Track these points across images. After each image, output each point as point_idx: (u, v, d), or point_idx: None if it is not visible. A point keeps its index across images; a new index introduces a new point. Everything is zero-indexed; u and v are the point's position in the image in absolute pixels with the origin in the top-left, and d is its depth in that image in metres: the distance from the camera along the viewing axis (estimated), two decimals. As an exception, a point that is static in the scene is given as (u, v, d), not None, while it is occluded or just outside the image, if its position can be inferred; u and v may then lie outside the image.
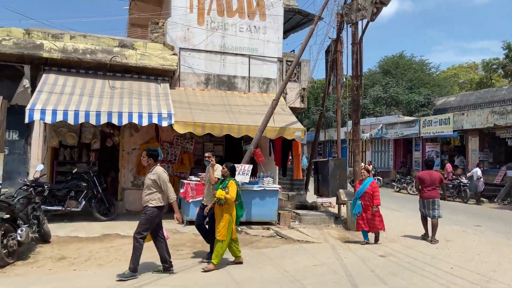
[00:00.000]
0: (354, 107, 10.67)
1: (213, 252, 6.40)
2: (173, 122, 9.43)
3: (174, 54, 11.12)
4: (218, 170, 6.97)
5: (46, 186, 9.36)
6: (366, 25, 10.43)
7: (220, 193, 6.28)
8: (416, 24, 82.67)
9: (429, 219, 9.18)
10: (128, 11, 15.90)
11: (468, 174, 17.20)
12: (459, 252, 8.10)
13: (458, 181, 17.08)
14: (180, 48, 11.43)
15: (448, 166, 18.87)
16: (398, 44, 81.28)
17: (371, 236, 8.69)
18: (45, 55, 9.87)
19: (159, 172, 6.09)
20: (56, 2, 75.34)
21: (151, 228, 6.04)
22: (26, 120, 8.61)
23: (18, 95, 9.88)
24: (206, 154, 7.21)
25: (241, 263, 6.68)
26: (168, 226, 9.23)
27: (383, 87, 30.56)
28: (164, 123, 9.42)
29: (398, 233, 9.77)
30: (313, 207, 11.92)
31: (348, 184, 11.81)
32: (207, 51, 11.72)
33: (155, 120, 9.35)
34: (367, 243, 8.50)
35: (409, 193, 19.18)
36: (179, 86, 11.42)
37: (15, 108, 9.79)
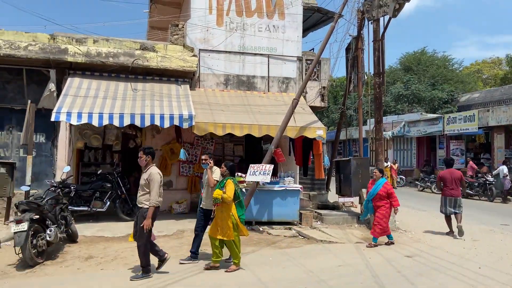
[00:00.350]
0: (377, 105, 10.53)
1: (231, 254, 6.41)
2: (193, 123, 9.50)
3: (194, 55, 11.21)
4: (216, 172, 6.85)
5: (72, 187, 9.57)
6: (388, 21, 10.27)
7: (217, 192, 6.16)
8: (437, 19, 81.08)
9: (452, 216, 9.37)
10: (148, 14, 16.11)
11: (494, 172, 16.79)
12: (487, 251, 7.91)
13: (484, 179, 16.68)
14: (199, 49, 11.51)
15: (471, 164, 18.45)
16: (419, 40, 79.81)
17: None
18: (70, 59, 10.10)
19: (152, 172, 5.96)
20: (79, 8, 76.98)
21: (150, 230, 5.94)
22: (52, 119, 8.80)
23: (44, 99, 10.14)
24: (203, 157, 7.00)
25: (215, 268, 6.35)
26: (191, 226, 9.34)
27: (405, 84, 30.06)
28: (185, 125, 9.49)
29: (424, 233, 9.61)
30: (335, 207, 11.83)
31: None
32: (226, 52, 11.77)
33: (176, 122, 9.44)
34: (392, 242, 8.38)
35: (433, 192, 18.83)
36: (199, 87, 11.51)
37: (42, 112, 10.05)
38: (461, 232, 8.99)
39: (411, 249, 7.96)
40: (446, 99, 28.14)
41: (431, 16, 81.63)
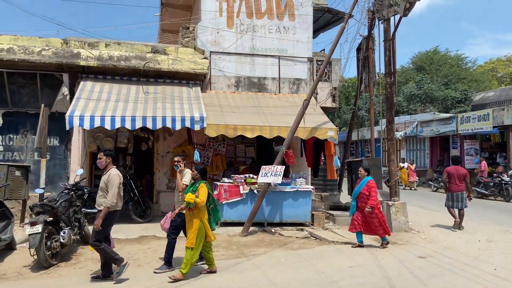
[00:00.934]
0: (388, 105, 10.45)
1: (183, 261, 5.95)
2: (205, 125, 9.54)
3: (204, 58, 11.27)
4: (187, 175, 6.52)
5: (85, 190, 9.67)
6: (399, 20, 10.18)
7: (189, 196, 5.84)
8: (449, 17, 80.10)
9: (456, 210, 9.99)
10: (159, 18, 16.26)
11: (510, 172, 16.50)
12: (502, 252, 7.77)
13: (500, 179, 16.40)
14: (210, 51, 11.56)
15: (483, 164, 18.12)
16: (432, 39, 78.86)
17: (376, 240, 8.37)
18: (82, 63, 10.23)
19: (112, 173, 5.82)
20: (91, 12, 78.05)
21: (106, 232, 5.85)
22: (67, 127, 8.95)
23: (57, 103, 10.29)
24: (176, 159, 6.70)
25: (214, 272, 6.21)
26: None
27: (417, 83, 29.76)
28: (197, 127, 9.54)
29: (437, 234, 9.50)
30: (347, 207, 11.71)
31: (383, 184, 11.57)
32: (237, 54, 11.80)
33: (187, 124, 9.49)
34: (360, 245, 8.02)
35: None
36: (210, 89, 11.55)
37: (55, 115, 10.21)
38: (461, 228, 9.92)
39: (424, 250, 7.87)
40: (459, 99, 27.76)
41: (443, 15, 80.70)
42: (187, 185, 6.31)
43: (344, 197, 12.96)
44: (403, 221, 9.67)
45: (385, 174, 13.16)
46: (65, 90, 10.23)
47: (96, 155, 11.54)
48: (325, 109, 12.26)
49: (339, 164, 14.33)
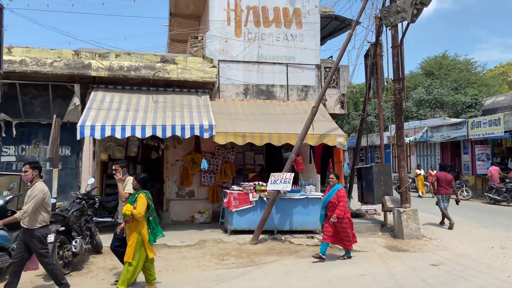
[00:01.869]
0: (397, 111, 10.41)
1: (120, 276, 5.64)
2: (214, 133, 9.59)
3: (213, 66, 11.36)
4: (129, 183, 6.17)
5: (97, 199, 9.74)
6: (407, 27, 10.19)
7: (126, 208, 5.51)
8: (457, 22, 79.69)
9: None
10: (168, 28, 16.45)
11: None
12: (517, 260, 7.66)
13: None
14: (219, 60, 11.65)
15: (490, 170, 17.82)
16: (440, 44, 78.47)
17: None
18: (93, 74, 10.38)
19: (36, 187, 5.42)
20: (101, 23, 79.14)
21: (48, 247, 5.60)
22: (78, 137, 9.06)
23: (69, 113, 10.43)
24: (113, 167, 6.33)
25: None
26: (213, 235, 9.42)
27: (426, 89, 29.60)
28: (206, 135, 9.59)
29: (449, 241, 9.39)
30: (358, 214, 11.67)
31: (394, 191, 11.50)
32: (245, 62, 11.88)
33: (197, 132, 9.55)
34: (321, 258, 7.46)
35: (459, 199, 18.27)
36: (219, 98, 11.63)
37: (67, 125, 10.34)
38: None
39: (437, 257, 7.79)
40: (469, 103, 27.54)
41: (451, 19, 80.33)
42: (130, 194, 5.99)
43: (354, 204, 12.87)
44: (415, 228, 9.58)
45: (395, 180, 13.09)
46: (76, 100, 10.37)
47: (107, 164, 11.78)
48: (334, 116, 12.26)
49: (348, 171, 14.21)
